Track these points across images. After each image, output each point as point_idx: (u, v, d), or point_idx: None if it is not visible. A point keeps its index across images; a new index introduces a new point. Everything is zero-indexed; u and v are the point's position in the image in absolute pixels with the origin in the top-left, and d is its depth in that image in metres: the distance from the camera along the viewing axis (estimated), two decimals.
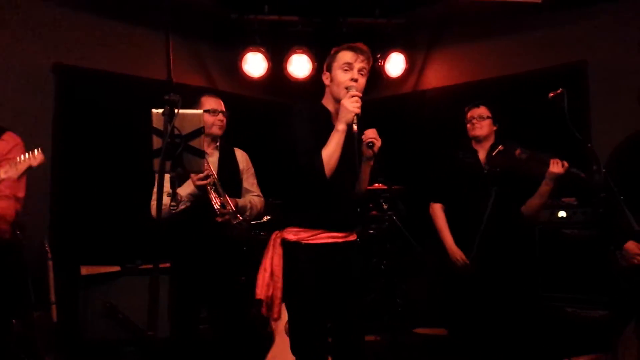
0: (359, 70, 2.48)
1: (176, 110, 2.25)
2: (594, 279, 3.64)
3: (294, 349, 2.46)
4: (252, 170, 3.35)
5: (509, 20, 4.74)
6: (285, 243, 2.47)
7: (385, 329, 4.30)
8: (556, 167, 3.19)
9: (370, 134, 2.44)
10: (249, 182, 3.30)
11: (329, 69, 2.55)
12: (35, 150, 2.35)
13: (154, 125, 2.36)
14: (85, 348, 3.84)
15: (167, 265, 3.10)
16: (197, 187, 2.92)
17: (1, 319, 2.63)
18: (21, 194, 2.61)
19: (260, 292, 2.47)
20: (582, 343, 3.52)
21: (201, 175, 2.87)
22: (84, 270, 3.88)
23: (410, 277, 4.58)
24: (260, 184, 3.43)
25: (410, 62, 5.17)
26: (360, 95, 2.40)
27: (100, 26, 4.48)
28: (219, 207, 2.94)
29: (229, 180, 3.11)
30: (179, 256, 3.07)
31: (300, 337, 2.44)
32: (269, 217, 4.71)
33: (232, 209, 2.97)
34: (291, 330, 2.47)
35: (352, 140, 2.37)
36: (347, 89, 2.41)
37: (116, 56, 4.53)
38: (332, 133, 2.38)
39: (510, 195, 3.35)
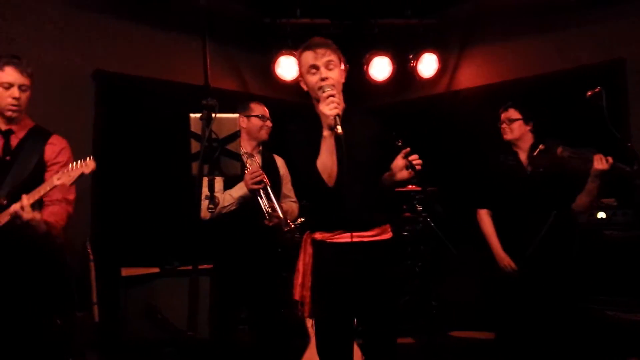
0: (326, 66, 2.35)
1: (213, 115, 2.30)
2: (635, 281, 3.55)
3: (319, 349, 2.44)
4: (289, 177, 3.40)
5: (544, 17, 4.66)
6: (314, 242, 2.47)
7: (421, 332, 4.28)
8: (600, 163, 3.09)
9: (412, 158, 2.35)
10: (288, 187, 3.35)
11: (302, 75, 2.45)
12: (87, 158, 2.43)
13: (192, 129, 2.42)
14: (125, 348, 3.93)
15: (207, 266, 3.16)
16: (250, 190, 2.97)
17: (46, 318, 2.69)
18: (71, 196, 2.69)
19: (295, 292, 2.48)
20: (623, 347, 3.44)
21: (256, 179, 2.92)
22: (125, 272, 3.98)
23: (446, 279, 4.55)
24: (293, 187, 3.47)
25: (442, 62, 5.14)
26: (334, 93, 2.26)
27: (138, 33, 4.60)
28: (269, 211, 2.98)
29: (272, 185, 3.14)
30: (223, 257, 3.12)
31: (324, 336, 2.41)
32: (302, 220, 4.75)
33: (281, 214, 2.99)
34: (316, 330, 2.45)
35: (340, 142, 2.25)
36: (322, 89, 2.29)
37: (154, 62, 4.65)
38: (322, 141, 2.29)
39: (560, 198, 3.29)
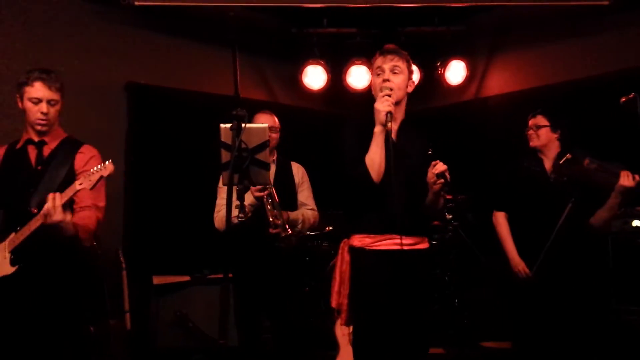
0: (391, 70, 2.48)
1: (243, 125, 2.33)
2: None
3: (356, 357, 2.44)
4: (307, 184, 3.39)
5: (573, 23, 4.60)
6: (352, 250, 2.49)
7: (451, 342, 4.23)
8: (627, 180, 3.04)
9: (441, 167, 2.38)
10: (304, 195, 3.34)
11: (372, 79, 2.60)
12: (106, 162, 2.46)
13: (222, 139, 2.45)
14: (157, 355, 3.96)
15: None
16: (255, 198, 2.99)
17: (80, 326, 2.73)
18: (102, 203, 2.72)
19: (333, 300, 2.50)
20: None
21: (259, 186, 2.94)
22: (156, 280, 4.02)
23: (476, 288, 4.49)
24: (320, 195, 3.46)
25: (471, 69, 5.10)
26: (390, 93, 2.38)
27: (168, 46, 4.70)
28: (272, 219, 3.00)
29: (284, 194, 3.15)
30: (238, 266, 3.14)
31: (363, 344, 2.42)
32: (330, 228, 4.76)
33: (282, 221, 3.00)
34: (354, 338, 2.45)
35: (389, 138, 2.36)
36: (381, 89, 2.42)
37: (184, 74, 4.73)
38: (373, 137, 2.39)
39: (579, 206, 3.25)
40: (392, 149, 2.34)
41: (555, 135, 3.41)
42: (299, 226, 3.21)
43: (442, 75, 5.10)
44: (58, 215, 2.40)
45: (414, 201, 2.47)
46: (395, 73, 2.48)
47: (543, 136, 3.40)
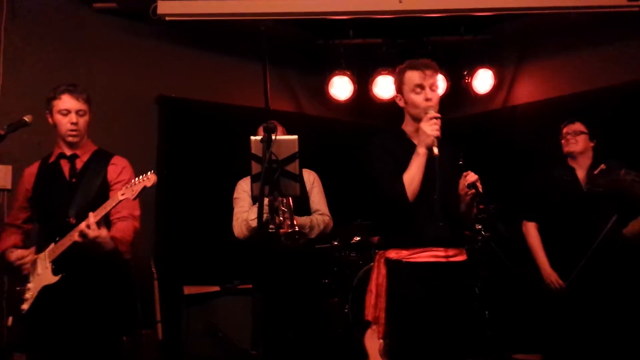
0: (430, 87, 2.47)
1: (273, 137, 2.37)
2: None
3: None
4: (318, 189, 3.37)
5: (602, 29, 4.53)
6: (388, 262, 2.48)
7: (482, 354, 4.17)
8: None
9: (472, 177, 2.39)
10: (315, 200, 3.32)
11: (400, 91, 2.55)
12: (149, 172, 2.51)
13: (253, 151, 2.49)
14: None
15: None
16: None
17: (114, 336, 2.78)
18: (137, 212, 2.80)
19: (368, 313, 2.49)
20: None
21: None
22: (187, 290, 4.06)
23: (507, 299, 4.43)
24: (347, 205, 3.45)
25: (498, 77, 5.07)
26: (439, 116, 2.39)
27: (198, 59, 4.78)
28: (281, 219, 2.96)
29: (295, 199, 3.09)
30: (263, 276, 3.16)
31: (401, 358, 2.40)
32: (358, 239, 4.75)
33: (290, 221, 2.93)
34: (391, 352, 2.44)
35: (433, 162, 2.37)
36: (427, 110, 2.41)
37: (214, 86, 4.80)
38: (413, 156, 2.39)
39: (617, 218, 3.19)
40: (438, 170, 2.34)
41: (592, 144, 3.37)
42: (307, 231, 3.17)
43: (470, 84, 5.07)
44: (93, 232, 2.46)
45: (450, 212, 2.46)
46: (433, 90, 2.48)
47: (581, 142, 3.36)
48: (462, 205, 2.48)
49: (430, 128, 2.35)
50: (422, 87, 2.46)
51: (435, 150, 2.33)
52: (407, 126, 2.58)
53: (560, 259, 3.30)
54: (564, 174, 3.39)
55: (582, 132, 3.35)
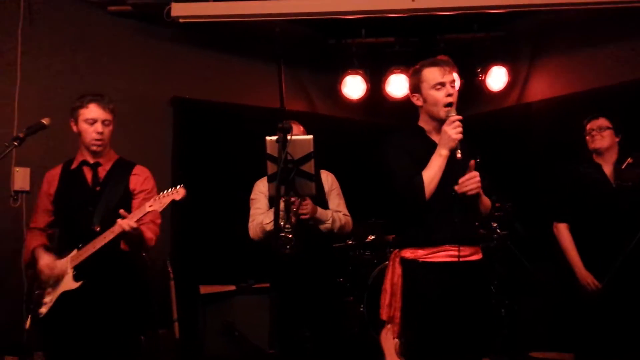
0: (450, 83, 2.48)
1: (289, 137, 2.39)
2: None
3: None
4: (337, 191, 3.37)
5: (618, 24, 4.48)
6: (403, 262, 2.48)
7: (499, 352, 4.16)
8: None
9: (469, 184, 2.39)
10: (334, 202, 3.32)
11: (417, 90, 2.53)
12: (178, 186, 2.56)
13: (268, 151, 2.51)
14: None
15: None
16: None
17: (131, 336, 2.82)
18: (159, 220, 2.86)
19: (383, 312, 2.49)
20: None
21: None
22: (203, 290, 4.10)
23: (523, 297, 4.40)
24: (361, 204, 3.45)
25: (512, 74, 5.04)
26: (461, 118, 2.38)
27: (212, 60, 4.81)
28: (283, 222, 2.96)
29: (314, 201, 3.12)
30: (279, 276, 3.17)
31: (418, 358, 2.41)
32: (372, 237, 4.76)
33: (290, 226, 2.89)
34: (408, 351, 2.45)
35: (454, 162, 2.37)
36: (447, 113, 2.41)
37: (227, 87, 4.83)
38: (434, 156, 2.39)
39: None
40: (461, 174, 2.35)
41: (617, 139, 3.32)
42: (329, 225, 3.18)
43: (483, 81, 5.04)
44: (135, 231, 2.57)
45: (466, 211, 2.46)
46: (453, 87, 2.48)
47: (607, 138, 3.30)
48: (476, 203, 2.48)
49: (454, 131, 2.35)
50: (442, 84, 2.46)
51: (459, 153, 2.33)
52: (425, 124, 2.57)
53: (594, 258, 3.24)
54: (591, 172, 3.33)
55: (608, 128, 3.29)
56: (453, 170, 2.38)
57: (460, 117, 2.38)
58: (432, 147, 2.43)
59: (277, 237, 2.38)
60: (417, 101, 2.54)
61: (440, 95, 2.45)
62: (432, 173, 2.38)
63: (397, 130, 2.64)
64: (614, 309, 3.15)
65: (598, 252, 3.22)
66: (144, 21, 4.43)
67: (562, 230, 3.40)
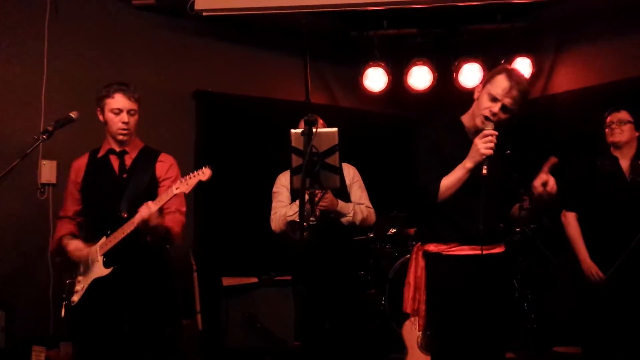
0: (506, 104, 2.34)
1: (314, 130, 2.38)
2: None
3: None
4: (359, 183, 3.37)
5: None
6: (427, 255, 2.47)
7: (522, 347, 4.13)
8: None
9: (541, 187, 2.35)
10: (357, 195, 3.32)
11: (483, 85, 2.43)
12: (203, 167, 2.58)
13: (293, 144, 2.51)
14: (227, 355, 4.07)
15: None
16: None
17: (157, 326, 2.83)
18: (184, 208, 2.88)
19: (407, 305, 2.49)
20: None
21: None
22: (225, 282, 4.14)
23: (547, 291, 4.36)
24: (383, 197, 3.44)
25: (537, 66, 4.96)
26: (496, 133, 2.28)
27: (235, 53, 4.83)
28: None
29: (336, 195, 3.13)
30: (300, 268, 3.19)
31: (442, 350, 2.41)
32: (394, 230, 4.75)
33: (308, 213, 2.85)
34: (432, 343, 2.46)
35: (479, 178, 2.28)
36: (484, 125, 2.32)
37: (250, 80, 4.84)
38: (458, 167, 2.33)
39: None
40: (484, 190, 2.26)
41: (637, 134, 3.28)
42: (350, 218, 3.18)
43: None
44: (154, 220, 2.57)
45: (492, 209, 2.40)
46: (504, 113, 2.36)
47: (627, 132, 3.28)
48: (533, 201, 2.43)
49: (485, 146, 2.25)
50: (496, 99, 2.35)
51: (485, 170, 2.23)
52: (467, 120, 2.50)
53: (601, 250, 3.24)
54: (607, 164, 3.31)
55: (628, 122, 3.27)
56: (479, 184, 2.28)
57: (495, 133, 2.28)
58: (467, 145, 2.34)
59: (298, 227, 2.38)
60: (476, 93, 2.46)
61: (485, 106, 2.36)
62: (450, 183, 2.34)
63: (431, 122, 2.57)
64: (617, 302, 3.14)
65: (605, 244, 3.21)
66: (168, 14, 4.45)
67: (570, 220, 3.41)
